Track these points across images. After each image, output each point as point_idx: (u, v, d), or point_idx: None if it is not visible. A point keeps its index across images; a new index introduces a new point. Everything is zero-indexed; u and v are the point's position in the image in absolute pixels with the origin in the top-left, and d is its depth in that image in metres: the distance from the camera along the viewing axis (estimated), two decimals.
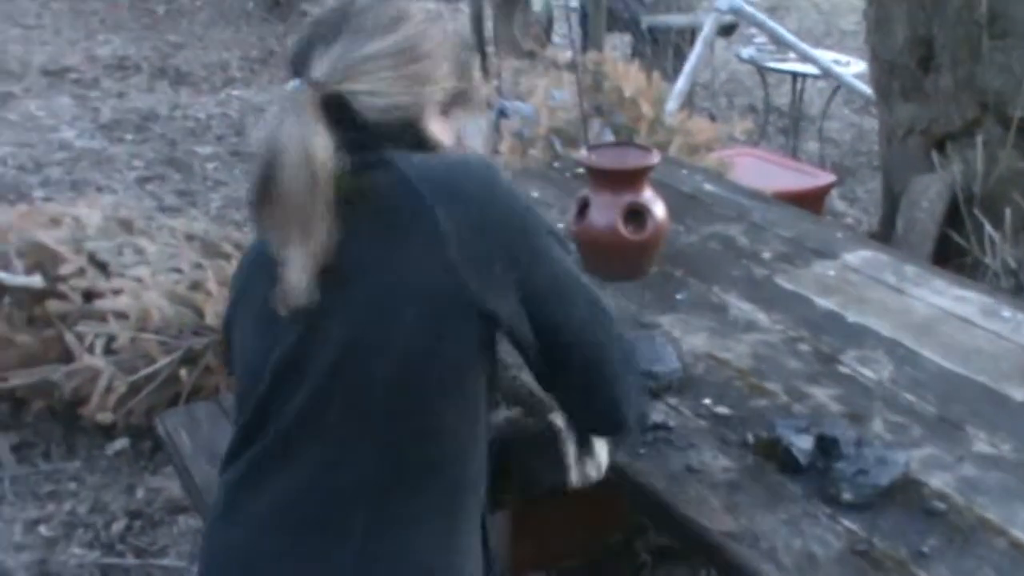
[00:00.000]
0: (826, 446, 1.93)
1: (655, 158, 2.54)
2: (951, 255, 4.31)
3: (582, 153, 2.65)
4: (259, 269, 1.55)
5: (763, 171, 4.65)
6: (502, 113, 4.65)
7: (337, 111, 1.51)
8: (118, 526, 3.30)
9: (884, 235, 4.66)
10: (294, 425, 1.51)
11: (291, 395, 1.50)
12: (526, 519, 2.82)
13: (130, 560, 3.17)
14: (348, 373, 1.48)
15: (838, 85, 6.36)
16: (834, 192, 5.52)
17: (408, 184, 1.49)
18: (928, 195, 4.41)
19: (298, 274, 1.47)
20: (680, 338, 2.34)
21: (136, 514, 3.35)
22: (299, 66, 1.57)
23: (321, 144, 1.46)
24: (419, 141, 1.60)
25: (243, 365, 1.62)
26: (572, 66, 4.37)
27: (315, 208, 1.45)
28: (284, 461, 1.52)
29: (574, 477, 1.85)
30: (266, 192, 1.47)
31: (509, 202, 1.53)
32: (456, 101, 1.66)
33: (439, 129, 1.63)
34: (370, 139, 1.54)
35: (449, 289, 1.46)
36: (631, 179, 2.52)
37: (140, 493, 3.44)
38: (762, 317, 2.44)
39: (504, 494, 1.79)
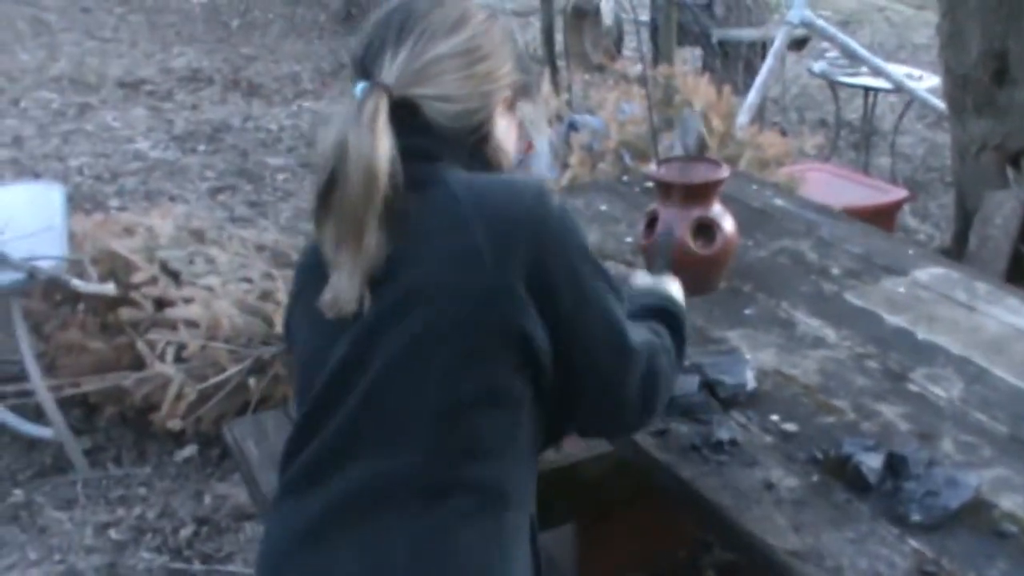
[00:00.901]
0: (896, 465, 1.91)
1: (725, 172, 2.53)
2: None
3: (651, 167, 2.64)
4: (317, 269, 1.57)
5: (834, 186, 4.62)
6: (572, 127, 4.65)
7: (408, 116, 1.54)
8: (186, 532, 3.34)
9: (957, 252, 4.60)
10: (349, 425, 1.53)
11: (347, 396, 1.53)
12: (593, 534, 2.83)
13: (197, 566, 3.20)
14: (397, 385, 1.51)
15: (911, 100, 6.29)
16: (906, 208, 5.46)
17: (456, 205, 1.51)
18: (1002, 211, 4.35)
19: (348, 280, 1.50)
20: (748, 354, 2.32)
21: (203, 520, 3.39)
22: (365, 68, 1.59)
23: (385, 153, 1.48)
24: (483, 146, 1.64)
25: (304, 360, 1.65)
26: (642, 80, 4.36)
27: (370, 217, 1.47)
28: (340, 460, 1.53)
29: None
30: (328, 196, 1.50)
31: (553, 230, 1.54)
32: (520, 94, 1.70)
33: (504, 126, 1.67)
34: (434, 147, 1.56)
35: (487, 315, 1.49)
36: (700, 193, 2.50)
37: (208, 500, 3.49)
38: (830, 333, 2.42)
39: None
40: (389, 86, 1.54)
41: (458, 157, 1.58)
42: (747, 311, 2.52)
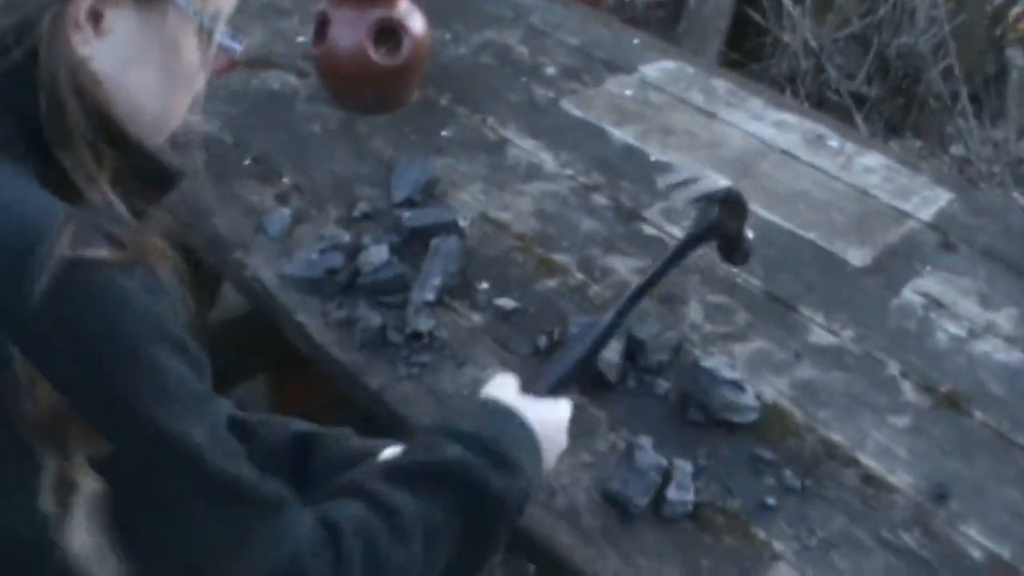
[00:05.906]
0: (634, 352, 1.52)
1: None
2: (749, 34, 3.92)
3: None
4: None
5: None
6: None
7: None
8: None
9: (676, 9, 4.22)
10: None
11: None
12: (286, 383, 2.48)
13: None
14: None
15: None
16: None
17: None
18: None
19: None
20: (447, 194, 1.86)
21: None
22: None
23: None
24: (52, 89, 0.88)
25: None
26: None
27: None
28: None
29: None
30: None
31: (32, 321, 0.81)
32: None
33: (123, 42, 0.90)
34: None
35: None
36: None
37: None
38: (548, 158, 1.98)
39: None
40: None
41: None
42: (445, 132, 2.03)
